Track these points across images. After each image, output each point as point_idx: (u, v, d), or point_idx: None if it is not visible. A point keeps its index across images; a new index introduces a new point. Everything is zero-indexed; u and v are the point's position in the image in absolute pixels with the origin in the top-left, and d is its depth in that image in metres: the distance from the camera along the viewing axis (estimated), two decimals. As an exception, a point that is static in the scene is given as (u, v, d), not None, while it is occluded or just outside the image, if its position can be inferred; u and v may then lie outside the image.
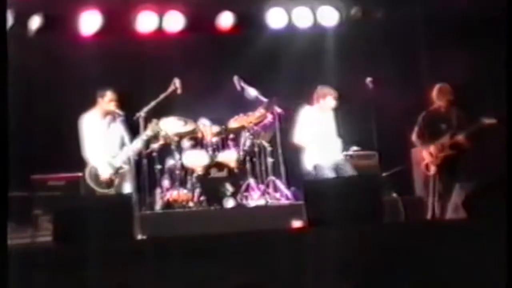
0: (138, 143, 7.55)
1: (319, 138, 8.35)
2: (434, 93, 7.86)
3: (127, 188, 7.36)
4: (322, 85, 8.54)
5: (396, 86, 8.81)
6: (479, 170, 8.00)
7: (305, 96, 8.75)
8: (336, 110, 8.52)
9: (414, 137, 7.93)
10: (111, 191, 7.27)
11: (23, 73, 8.24)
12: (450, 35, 9.27)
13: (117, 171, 7.28)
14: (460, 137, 7.63)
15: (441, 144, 7.71)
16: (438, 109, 7.84)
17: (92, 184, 7.26)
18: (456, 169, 7.70)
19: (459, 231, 5.11)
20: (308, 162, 8.43)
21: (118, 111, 7.36)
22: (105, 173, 7.28)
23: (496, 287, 4.63)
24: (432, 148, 7.72)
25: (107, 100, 7.32)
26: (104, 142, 7.31)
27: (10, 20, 8.42)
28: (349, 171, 8.23)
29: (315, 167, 8.32)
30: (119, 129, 7.33)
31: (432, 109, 7.87)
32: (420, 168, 8.04)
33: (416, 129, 7.90)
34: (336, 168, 8.30)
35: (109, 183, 7.28)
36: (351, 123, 9.38)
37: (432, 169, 7.75)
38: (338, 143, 8.48)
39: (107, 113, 7.35)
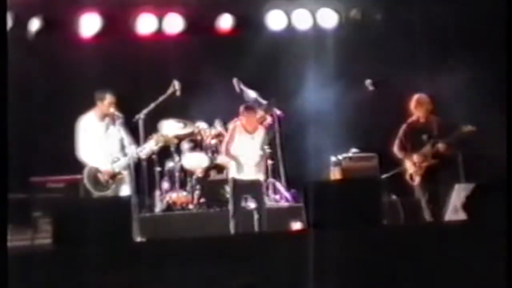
0: (140, 153, 7.46)
1: (242, 154, 7.70)
2: (412, 104, 7.83)
3: (126, 190, 7.34)
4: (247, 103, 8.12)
5: (396, 87, 8.80)
6: (478, 172, 8.01)
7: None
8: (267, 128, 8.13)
9: (395, 149, 7.88)
10: (110, 193, 7.24)
11: (22, 75, 8.23)
12: (448, 37, 9.28)
13: (116, 175, 7.26)
14: (440, 146, 7.65)
15: (424, 153, 7.70)
16: (417, 120, 7.82)
17: (90, 186, 7.23)
18: (439, 177, 7.72)
19: (459, 233, 5.11)
20: (230, 175, 7.87)
21: (117, 113, 7.34)
22: (105, 176, 7.25)
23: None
24: (415, 158, 7.72)
25: (106, 103, 7.29)
26: (102, 144, 7.28)
27: (9, 22, 8.42)
28: (261, 195, 7.75)
29: (233, 181, 7.73)
30: (117, 132, 7.31)
31: (412, 121, 7.85)
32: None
33: (397, 141, 7.86)
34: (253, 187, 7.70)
35: (108, 185, 7.25)
36: (351, 124, 9.39)
37: (417, 180, 7.75)
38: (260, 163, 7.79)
39: (105, 116, 7.32)
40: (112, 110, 7.30)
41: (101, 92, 7.36)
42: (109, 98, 7.31)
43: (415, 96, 7.84)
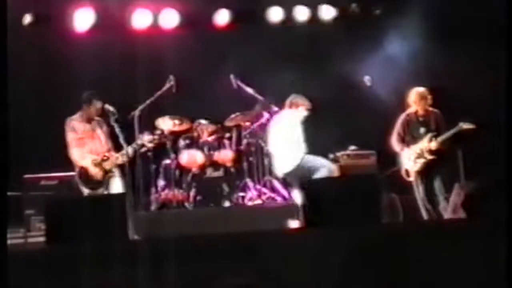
0: (131, 151, 7.43)
1: (287, 144, 7.89)
2: (411, 97, 7.81)
3: (118, 188, 7.30)
4: (296, 94, 8.20)
5: (395, 83, 8.75)
6: (478, 170, 7.95)
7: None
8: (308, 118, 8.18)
9: (393, 141, 7.85)
10: (101, 191, 7.21)
11: (15, 71, 8.12)
12: (448, 33, 9.23)
13: (107, 173, 7.24)
14: (438, 143, 7.61)
15: (420, 149, 7.67)
16: (416, 112, 7.80)
17: (82, 184, 7.20)
18: (436, 174, 7.67)
19: (458, 231, 5.07)
20: (277, 169, 8.03)
21: (112, 109, 7.30)
22: (96, 174, 7.24)
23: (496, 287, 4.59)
24: (411, 153, 7.69)
25: (93, 109, 7.29)
26: (90, 144, 7.28)
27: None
28: (316, 165, 7.78)
29: (287, 175, 7.91)
30: (105, 132, 7.33)
31: (410, 112, 7.83)
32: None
33: (394, 133, 7.83)
34: (303, 169, 7.79)
35: (99, 183, 7.23)
36: (349, 121, 9.33)
37: (412, 175, 7.72)
38: (302, 149, 7.91)
39: (91, 120, 7.33)
40: (97, 117, 7.30)
41: (88, 95, 7.32)
42: (96, 104, 7.27)
43: (414, 89, 7.82)
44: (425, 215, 7.60)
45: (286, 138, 7.96)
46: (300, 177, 7.76)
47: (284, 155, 7.93)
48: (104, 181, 7.24)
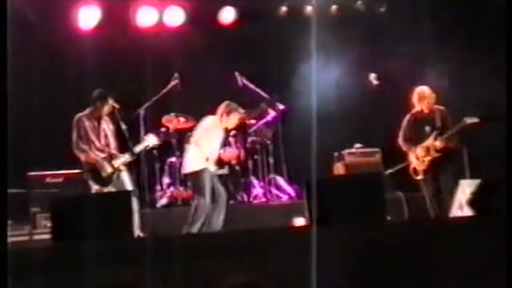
0: (139, 149, 7.42)
1: (196, 147, 7.64)
2: (414, 97, 7.81)
3: (127, 185, 7.30)
4: (230, 102, 7.81)
5: (400, 81, 8.72)
6: (483, 168, 7.94)
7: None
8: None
9: (400, 141, 7.83)
10: (111, 188, 7.21)
11: (20, 68, 8.14)
12: (451, 29, 9.21)
13: (115, 170, 7.25)
14: (443, 140, 7.59)
15: (427, 147, 7.66)
16: (421, 111, 7.79)
17: (92, 181, 7.20)
18: (443, 172, 7.66)
19: (464, 229, 5.05)
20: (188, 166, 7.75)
21: (118, 107, 7.30)
22: (105, 171, 7.26)
23: (502, 286, 4.56)
24: (418, 152, 7.68)
25: (106, 108, 7.27)
26: (98, 141, 7.28)
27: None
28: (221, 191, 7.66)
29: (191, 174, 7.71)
30: (113, 130, 7.32)
31: (415, 111, 7.82)
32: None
33: (401, 133, 7.82)
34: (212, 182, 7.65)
35: (110, 180, 7.23)
36: (354, 119, 9.32)
37: (420, 174, 7.70)
38: (207, 156, 7.64)
39: (100, 118, 7.33)
40: (106, 115, 7.29)
41: (101, 93, 7.29)
42: (108, 102, 7.25)
43: (417, 89, 7.82)
44: (432, 213, 7.58)
45: (198, 140, 7.65)
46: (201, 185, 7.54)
47: (191, 156, 7.66)
48: (113, 178, 7.25)
